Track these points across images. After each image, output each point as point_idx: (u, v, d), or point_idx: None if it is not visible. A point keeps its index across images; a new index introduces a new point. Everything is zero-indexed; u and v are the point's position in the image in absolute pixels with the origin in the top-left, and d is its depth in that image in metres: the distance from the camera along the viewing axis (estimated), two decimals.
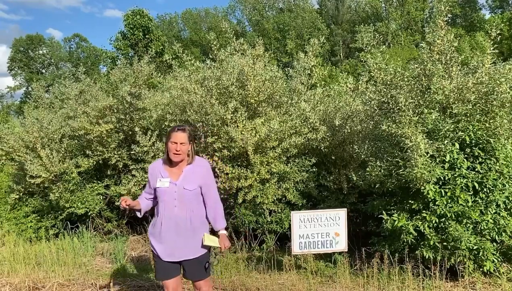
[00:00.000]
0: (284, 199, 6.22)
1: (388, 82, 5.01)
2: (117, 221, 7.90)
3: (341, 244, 4.93)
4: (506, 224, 4.49)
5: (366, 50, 5.10)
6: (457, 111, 4.64)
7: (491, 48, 4.75)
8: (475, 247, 4.36)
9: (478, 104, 4.69)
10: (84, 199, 7.55)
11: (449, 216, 4.45)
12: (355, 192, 6.19)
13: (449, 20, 5.12)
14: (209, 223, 3.27)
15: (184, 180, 3.10)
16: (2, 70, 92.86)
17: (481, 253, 4.39)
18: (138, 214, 3.26)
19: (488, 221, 4.46)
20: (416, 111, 4.80)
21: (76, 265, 5.63)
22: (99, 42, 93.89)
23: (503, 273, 4.59)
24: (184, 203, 3.08)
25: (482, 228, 4.47)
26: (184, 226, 3.09)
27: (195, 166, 3.16)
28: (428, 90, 4.82)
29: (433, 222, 4.53)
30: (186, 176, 3.11)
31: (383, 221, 4.81)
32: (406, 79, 4.98)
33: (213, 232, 3.30)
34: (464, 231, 4.39)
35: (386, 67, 5.02)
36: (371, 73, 5.14)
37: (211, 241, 3.16)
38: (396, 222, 4.65)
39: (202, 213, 3.20)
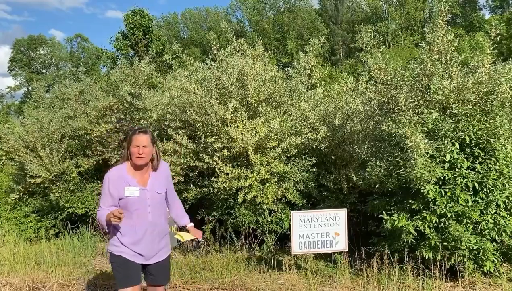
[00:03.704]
0: (284, 199, 6.22)
1: (388, 82, 5.01)
2: None
3: (341, 244, 4.93)
4: (506, 224, 4.48)
5: (366, 50, 5.10)
6: (457, 111, 4.64)
7: (491, 48, 4.75)
8: (475, 247, 4.36)
9: (478, 104, 4.69)
10: (84, 199, 7.56)
11: (449, 216, 4.45)
12: (355, 192, 6.18)
13: (449, 20, 5.12)
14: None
15: (153, 184, 3.00)
16: (4, 70, 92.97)
17: (481, 253, 4.39)
18: (106, 229, 2.96)
19: (488, 221, 4.46)
20: (416, 111, 4.80)
21: (76, 265, 5.63)
22: (101, 43, 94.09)
23: (503, 273, 4.59)
24: (156, 207, 3.02)
25: (482, 228, 4.47)
26: (158, 230, 3.02)
27: (160, 169, 3.10)
28: (428, 90, 4.82)
29: (433, 222, 4.53)
30: (154, 179, 3.02)
31: (383, 221, 4.80)
32: (406, 79, 4.98)
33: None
34: (464, 231, 4.39)
35: (386, 67, 5.01)
36: (371, 73, 5.14)
37: (187, 236, 3.24)
38: (396, 222, 4.64)
39: (166, 213, 3.21)
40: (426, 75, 4.88)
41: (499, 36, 4.94)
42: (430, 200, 4.52)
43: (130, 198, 2.89)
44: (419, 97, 4.90)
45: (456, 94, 4.69)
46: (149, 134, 2.94)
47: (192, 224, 3.33)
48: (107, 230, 2.95)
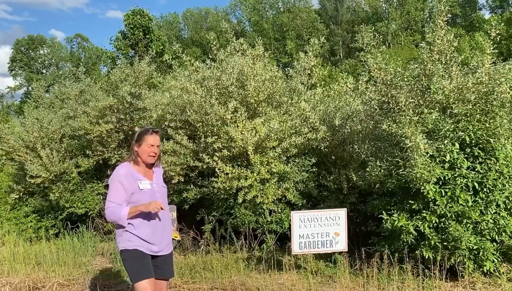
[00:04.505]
0: (284, 199, 6.22)
1: (388, 82, 5.01)
2: None
3: (341, 244, 4.93)
4: (506, 224, 4.48)
5: (366, 50, 5.10)
6: (457, 111, 4.64)
7: (491, 48, 4.75)
8: (475, 247, 4.36)
9: (478, 104, 4.69)
10: (84, 199, 7.55)
11: (449, 216, 4.45)
12: (355, 192, 6.18)
13: (449, 20, 5.12)
14: None
15: (158, 178, 3.17)
16: (5, 70, 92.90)
17: (481, 253, 4.39)
18: (125, 224, 3.01)
19: (488, 221, 4.46)
20: (416, 111, 4.80)
21: (76, 265, 5.64)
22: (101, 43, 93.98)
23: (503, 273, 4.59)
24: (163, 200, 3.17)
25: (482, 228, 4.47)
26: (167, 222, 3.18)
27: (158, 168, 3.26)
28: (428, 90, 4.82)
29: (433, 222, 4.53)
30: (157, 174, 3.18)
31: (383, 221, 4.80)
32: (406, 79, 4.98)
33: None
34: (464, 231, 4.39)
35: (386, 67, 5.01)
36: (371, 73, 5.14)
37: (176, 234, 3.45)
38: (396, 222, 4.65)
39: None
40: (426, 75, 4.88)
41: (499, 36, 4.94)
42: (430, 200, 4.52)
43: (144, 190, 3.01)
44: (419, 97, 4.90)
45: (456, 94, 4.69)
46: (159, 134, 3.12)
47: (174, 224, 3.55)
48: (125, 224, 2.99)
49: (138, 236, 3.00)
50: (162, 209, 2.93)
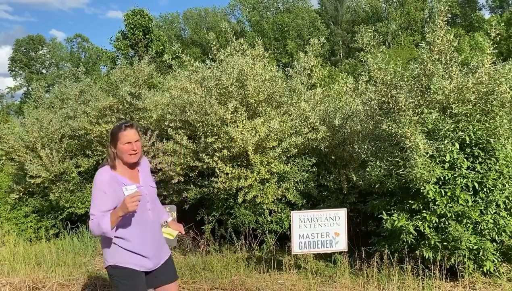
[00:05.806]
0: (284, 199, 6.22)
1: (388, 82, 5.01)
2: None
3: (341, 244, 4.93)
4: (506, 224, 4.48)
5: (366, 50, 5.10)
6: (457, 111, 4.64)
7: (491, 48, 4.75)
8: (475, 247, 4.36)
9: (478, 104, 4.68)
10: (84, 199, 7.55)
11: (449, 216, 4.45)
12: (355, 192, 6.18)
13: (449, 20, 5.13)
14: None
15: (145, 178, 2.82)
16: (5, 70, 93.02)
17: (481, 253, 4.39)
18: (111, 235, 2.66)
19: (488, 221, 4.46)
20: (416, 111, 4.80)
21: (76, 265, 5.63)
22: (102, 43, 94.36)
23: (503, 273, 4.59)
24: (154, 203, 2.87)
25: (482, 228, 4.47)
26: (158, 228, 2.88)
27: (142, 163, 2.88)
28: (428, 90, 4.82)
29: (433, 222, 4.53)
30: (143, 174, 2.84)
31: (383, 221, 4.80)
32: (406, 79, 4.98)
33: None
34: (464, 231, 4.39)
35: (386, 67, 5.01)
36: (371, 73, 5.14)
37: (171, 233, 3.06)
38: (396, 222, 4.65)
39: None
40: (426, 75, 4.88)
41: (499, 36, 4.94)
42: (430, 200, 4.52)
43: None
44: (419, 97, 4.90)
45: (456, 94, 4.69)
46: (135, 127, 2.74)
47: (171, 217, 3.10)
48: (111, 236, 2.66)
49: (129, 249, 2.68)
50: (139, 201, 2.53)
